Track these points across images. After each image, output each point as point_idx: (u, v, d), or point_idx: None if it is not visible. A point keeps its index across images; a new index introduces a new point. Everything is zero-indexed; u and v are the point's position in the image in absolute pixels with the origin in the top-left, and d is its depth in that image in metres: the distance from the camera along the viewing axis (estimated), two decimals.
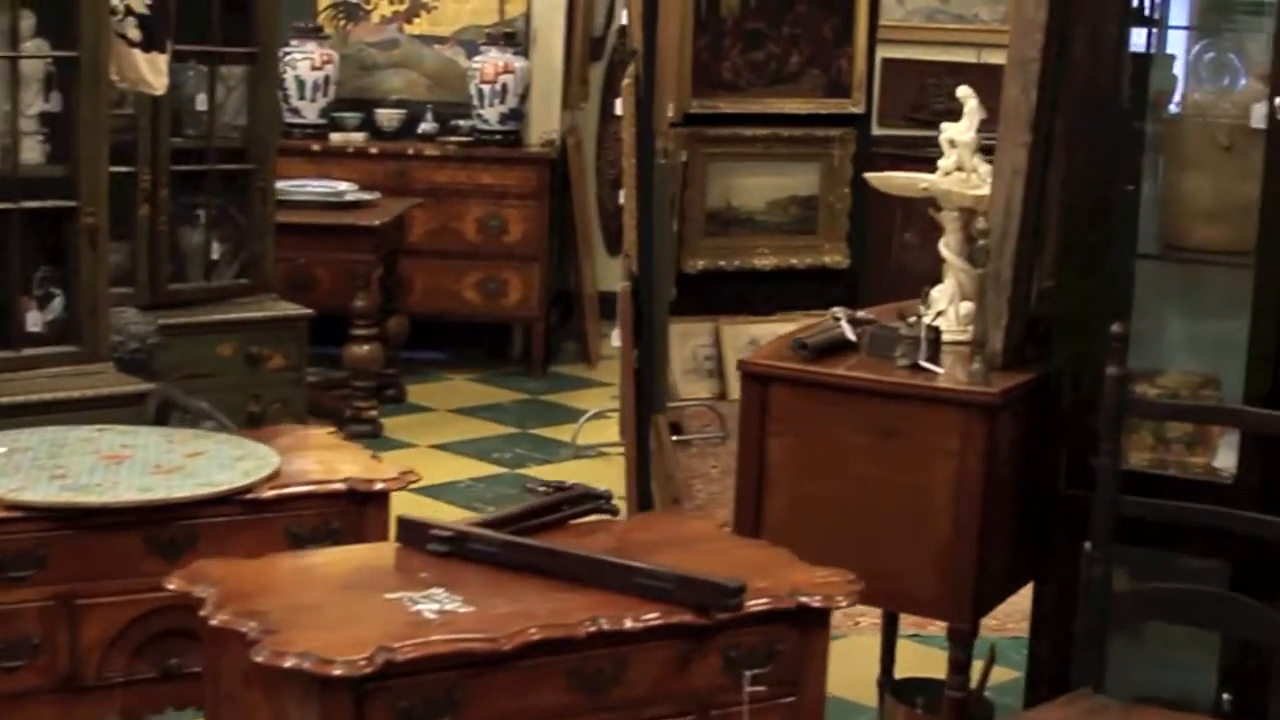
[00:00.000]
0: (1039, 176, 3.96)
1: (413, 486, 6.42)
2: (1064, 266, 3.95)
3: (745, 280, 7.64)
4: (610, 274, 8.44)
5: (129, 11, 4.76)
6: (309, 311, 5.71)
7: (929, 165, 4.41)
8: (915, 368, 3.91)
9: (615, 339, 5.64)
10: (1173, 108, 4.23)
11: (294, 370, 5.68)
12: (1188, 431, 4.03)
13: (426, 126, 8.46)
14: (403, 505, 6.45)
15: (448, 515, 6.40)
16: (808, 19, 7.60)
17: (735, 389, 6.24)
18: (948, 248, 4.22)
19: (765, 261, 7.67)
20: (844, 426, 3.90)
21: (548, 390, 8.23)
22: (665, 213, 5.88)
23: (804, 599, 2.99)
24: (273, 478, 3.56)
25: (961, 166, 4.25)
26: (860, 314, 4.17)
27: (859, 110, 7.68)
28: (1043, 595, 4.05)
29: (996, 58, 5.55)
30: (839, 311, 4.17)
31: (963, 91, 4.29)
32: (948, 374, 3.93)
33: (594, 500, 3.33)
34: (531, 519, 3.25)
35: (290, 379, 5.66)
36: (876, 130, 8.12)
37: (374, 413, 7.39)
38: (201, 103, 5.69)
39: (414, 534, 3.11)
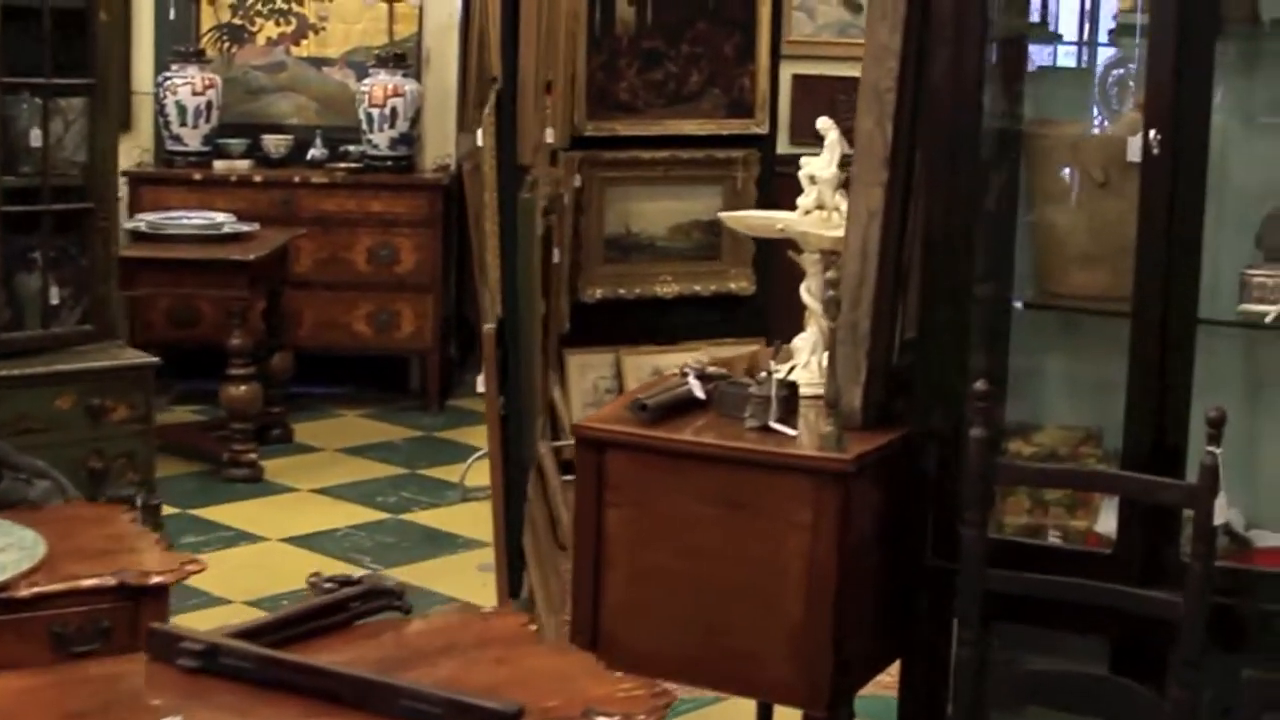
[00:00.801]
0: (898, 217, 3.61)
1: (288, 536, 6.01)
2: (928, 316, 3.61)
3: (647, 308, 7.26)
4: None
5: None
6: (154, 359, 5.32)
7: None
8: (766, 430, 3.56)
9: (480, 385, 5.29)
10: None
11: (140, 422, 5.27)
12: (1068, 493, 3.71)
13: (316, 152, 8.10)
14: (276, 556, 6.18)
15: (323, 566, 6.05)
16: (708, 37, 7.24)
17: None
18: (809, 293, 3.88)
19: (668, 289, 7.30)
20: (687, 496, 3.54)
21: (444, 426, 7.88)
22: (532, 249, 5.53)
23: (598, 719, 2.63)
24: (34, 572, 3.19)
25: (822, 205, 3.92)
26: (711, 369, 3.80)
27: (762, 131, 7.33)
28: (911, 673, 3.71)
29: None
30: (689, 366, 3.80)
31: (822, 123, 3.97)
32: (806, 435, 3.58)
33: (384, 597, 2.96)
34: (312, 620, 2.89)
35: (136, 431, 5.26)
36: (786, 149, 7.78)
37: (253, 455, 7.04)
38: (36, 138, 5.31)
39: (164, 646, 2.74)
